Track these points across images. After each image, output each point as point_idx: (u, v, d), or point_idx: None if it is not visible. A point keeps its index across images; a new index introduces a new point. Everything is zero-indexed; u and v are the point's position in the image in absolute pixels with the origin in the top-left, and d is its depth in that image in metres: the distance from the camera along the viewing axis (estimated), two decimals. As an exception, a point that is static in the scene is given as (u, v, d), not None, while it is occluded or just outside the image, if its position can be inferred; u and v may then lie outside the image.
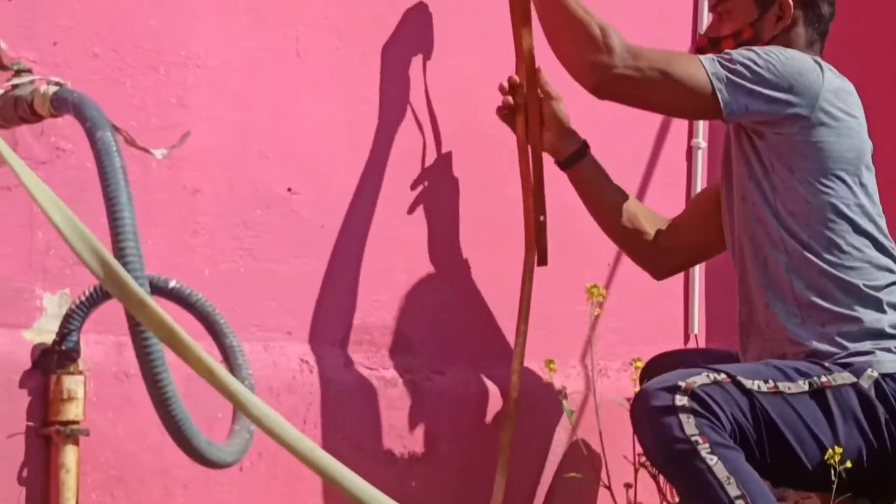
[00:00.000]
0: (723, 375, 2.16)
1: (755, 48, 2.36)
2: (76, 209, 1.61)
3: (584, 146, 2.61)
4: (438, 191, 2.66)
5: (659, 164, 3.02)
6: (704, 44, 2.49)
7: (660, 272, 2.71)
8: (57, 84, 1.82)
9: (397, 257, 2.61)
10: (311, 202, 2.45)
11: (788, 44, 2.42)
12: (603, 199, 2.63)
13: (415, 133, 2.61)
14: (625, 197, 2.64)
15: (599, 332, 2.79)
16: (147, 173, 2.18)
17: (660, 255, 2.65)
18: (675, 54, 2.43)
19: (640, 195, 2.95)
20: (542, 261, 2.65)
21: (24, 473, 1.96)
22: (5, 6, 2.01)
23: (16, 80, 1.86)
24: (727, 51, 2.38)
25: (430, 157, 2.65)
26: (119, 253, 1.64)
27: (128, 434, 2.10)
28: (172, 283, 2.05)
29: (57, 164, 2.08)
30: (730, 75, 2.30)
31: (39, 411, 2.00)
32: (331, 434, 2.42)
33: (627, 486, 2.60)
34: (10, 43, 2.02)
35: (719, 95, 2.29)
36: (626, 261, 3.00)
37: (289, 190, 2.41)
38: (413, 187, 2.63)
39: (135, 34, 2.18)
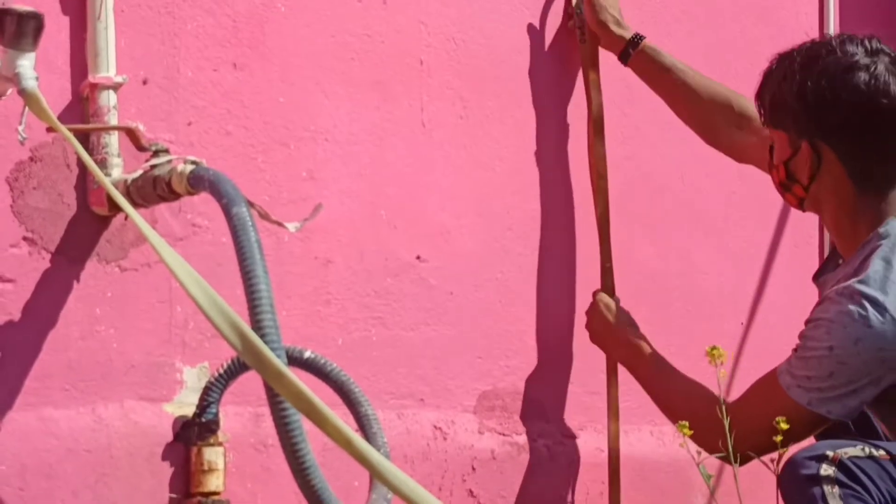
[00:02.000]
0: (882, 451, 2.03)
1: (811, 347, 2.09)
2: (212, 283, 1.66)
3: (635, 37, 2.56)
4: (565, 254, 2.66)
5: (789, 222, 2.98)
6: (769, 157, 2.26)
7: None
8: (193, 163, 1.87)
9: (526, 322, 2.61)
10: (439, 269, 2.47)
11: (831, 188, 2.14)
12: (668, 90, 2.57)
13: (539, 198, 2.62)
14: (699, 84, 2.52)
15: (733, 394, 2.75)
16: (280, 246, 2.22)
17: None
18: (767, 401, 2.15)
19: (771, 254, 2.91)
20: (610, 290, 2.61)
21: (168, 544, 2.00)
22: (142, 91, 2.08)
23: (154, 161, 1.92)
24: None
25: (555, 222, 2.65)
26: (257, 325, 1.67)
27: (267, 504, 2.13)
28: (307, 354, 2.09)
29: (193, 239, 2.14)
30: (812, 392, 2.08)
31: (182, 483, 2.04)
32: (466, 501, 2.41)
33: (773, 553, 2.52)
34: (148, 125, 2.09)
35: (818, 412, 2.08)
36: (760, 320, 2.97)
37: (417, 258, 2.44)
38: (540, 251, 2.63)
39: (265, 111, 2.23)
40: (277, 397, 1.69)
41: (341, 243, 2.33)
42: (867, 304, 2.03)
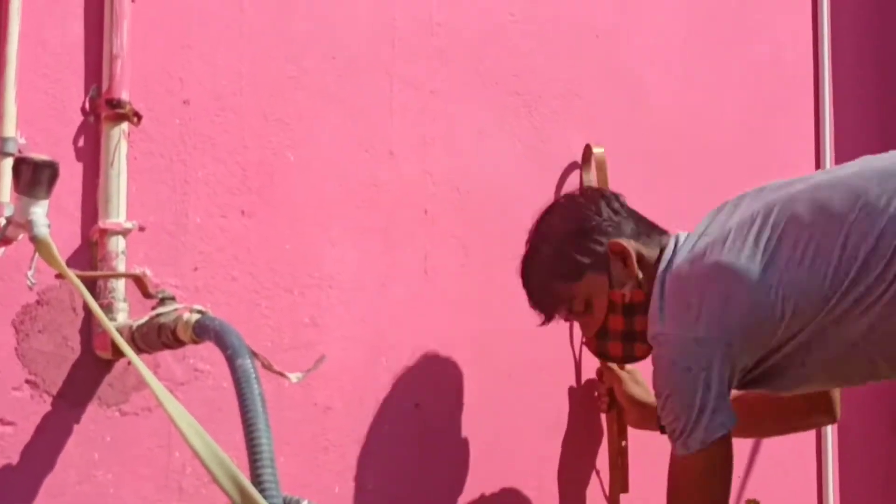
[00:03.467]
0: None
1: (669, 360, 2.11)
2: (212, 428, 1.67)
3: None
4: (567, 402, 2.67)
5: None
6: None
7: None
8: (199, 312, 1.89)
9: (526, 472, 2.60)
10: (438, 417, 2.47)
11: (647, 264, 2.22)
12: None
13: (541, 346, 2.63)
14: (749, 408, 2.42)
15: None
16: (280, 391, 2.23)
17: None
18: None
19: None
20: (624, 488, 2.61)
21: None
22: (151, 236, 2.11)
23: (160, 309, 1.94)
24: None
25: (557, 370, 2.66)
26: (256, 480, 1.67)
27: None
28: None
29: (195, 384, 2.15)
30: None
31: None
32: None
33: None
34: (154, 269, 2.12)
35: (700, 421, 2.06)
36: (757, 471, 2.96)
37: (416, 405, 2.44)
38: (540, 399, 2.64)
39: (271, 258, 2.26)
40: (274, 553, 1.67)
41: (341, 390, 2.34)
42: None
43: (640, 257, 2.20)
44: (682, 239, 2.20)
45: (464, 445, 2.51)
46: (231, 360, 1.78)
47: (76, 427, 2.01)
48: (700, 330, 2.04)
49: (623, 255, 2.20)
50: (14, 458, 1.95)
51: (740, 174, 3.02)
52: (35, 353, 1.98)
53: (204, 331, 1.86)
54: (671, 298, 2.11)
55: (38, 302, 1.99)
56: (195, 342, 1.91)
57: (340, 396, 2.33)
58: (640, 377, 2.57)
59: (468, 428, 2.52)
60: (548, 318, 2.32)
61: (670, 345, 2.08)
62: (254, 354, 1.82)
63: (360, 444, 2.35)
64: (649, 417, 2.45)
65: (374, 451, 2.37)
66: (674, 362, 2.07)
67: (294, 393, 2.26)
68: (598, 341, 2.27)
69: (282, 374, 1.92)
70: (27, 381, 1.97)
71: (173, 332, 1.91)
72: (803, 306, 2.01)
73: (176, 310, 1.93)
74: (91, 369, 2.03)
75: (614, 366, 2.54)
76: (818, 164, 3.24)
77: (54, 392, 1.99)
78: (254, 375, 1.75)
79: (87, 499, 2.00)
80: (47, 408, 1.98)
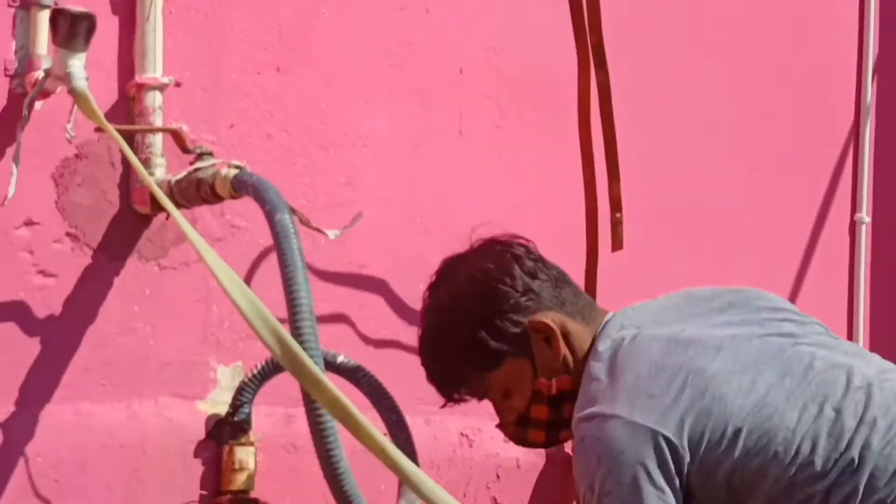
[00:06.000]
0: None
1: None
2: (248, 284, 1.69)
3: None
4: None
5: (821, 241, 2.99)
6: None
7: None
8: (237, 167, 1.90)
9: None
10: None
11: (575, 341, 1.78)
12: None
13: (572, 208, 2.64)
14: None
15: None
16: (316, 249, 2.24)
17: None
18: None
19: (801, 273, 2.92)
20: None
21: (197, 541, 2.03)
22: (187, 92, 2.11)
23: (198, 164, 1.95)
24: None
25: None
26: (296, 332, 1.70)
27: (294, 504, 2.16)
28: (340, 358, 2.12)
29: (231, 240, 2.17)
30: None
31: (212, 480, 2.07)
32: (490, 508, 2.44)
33: None
34: (191, 126, 2.12)
35: None
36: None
37: (449, 264, 2.46)
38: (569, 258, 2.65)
39: (306, 116, 2.26)
40: (314, 403, 1.71)
41: (376, 249, 2.35)
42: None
43: (566, 334, 1.80)
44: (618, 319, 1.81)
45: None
46: (270, 216, 1.79)
47: (116, 280, 2.04)
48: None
49: (546, 333, 1.80)
50: (57, 309, 1.98)
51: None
52: (74, 207, 2.00)
53: (242, 186, 1.87)
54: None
55: (76, 156, 2.00)
56: (233, 197, 1.92)
57: (375, 255, 2.35)
58: None
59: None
60: (451, 403, 1.89)
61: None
62: (292, 210, 1.84)
63: (395, 302, 2.38)
64: None
65: (407, 310, 2.39)
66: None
67: (330, 251, 2.28)
68: (515, 427, 1.86)
69: (319, 230, 1.94)
70: (67, 234, 1.99)
71: (211, 187, 1.92)
72: None
73: (214, 165, 1.94)
74: (130, 224, 2.05)
75: None
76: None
77: (94, 245, 2.02)
78: (292, 230, 1.77)
79: (128, 350, 2.04)
80: (88, 261, 2.01)
